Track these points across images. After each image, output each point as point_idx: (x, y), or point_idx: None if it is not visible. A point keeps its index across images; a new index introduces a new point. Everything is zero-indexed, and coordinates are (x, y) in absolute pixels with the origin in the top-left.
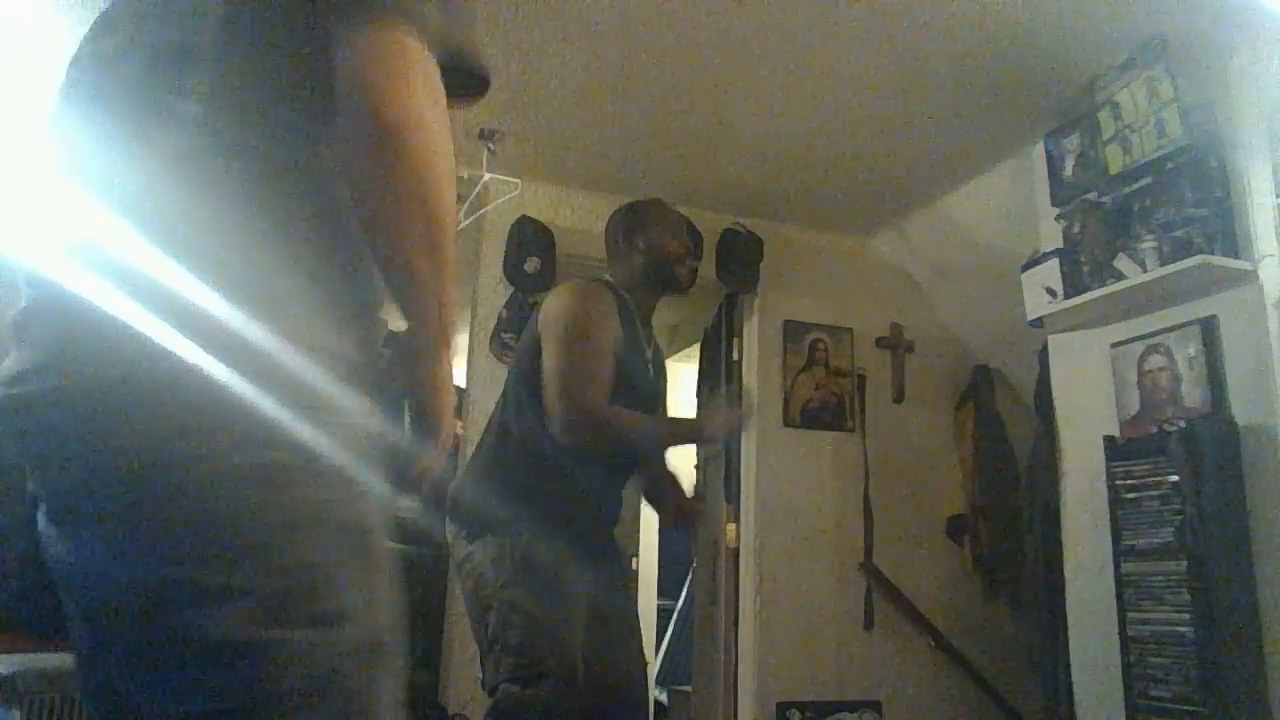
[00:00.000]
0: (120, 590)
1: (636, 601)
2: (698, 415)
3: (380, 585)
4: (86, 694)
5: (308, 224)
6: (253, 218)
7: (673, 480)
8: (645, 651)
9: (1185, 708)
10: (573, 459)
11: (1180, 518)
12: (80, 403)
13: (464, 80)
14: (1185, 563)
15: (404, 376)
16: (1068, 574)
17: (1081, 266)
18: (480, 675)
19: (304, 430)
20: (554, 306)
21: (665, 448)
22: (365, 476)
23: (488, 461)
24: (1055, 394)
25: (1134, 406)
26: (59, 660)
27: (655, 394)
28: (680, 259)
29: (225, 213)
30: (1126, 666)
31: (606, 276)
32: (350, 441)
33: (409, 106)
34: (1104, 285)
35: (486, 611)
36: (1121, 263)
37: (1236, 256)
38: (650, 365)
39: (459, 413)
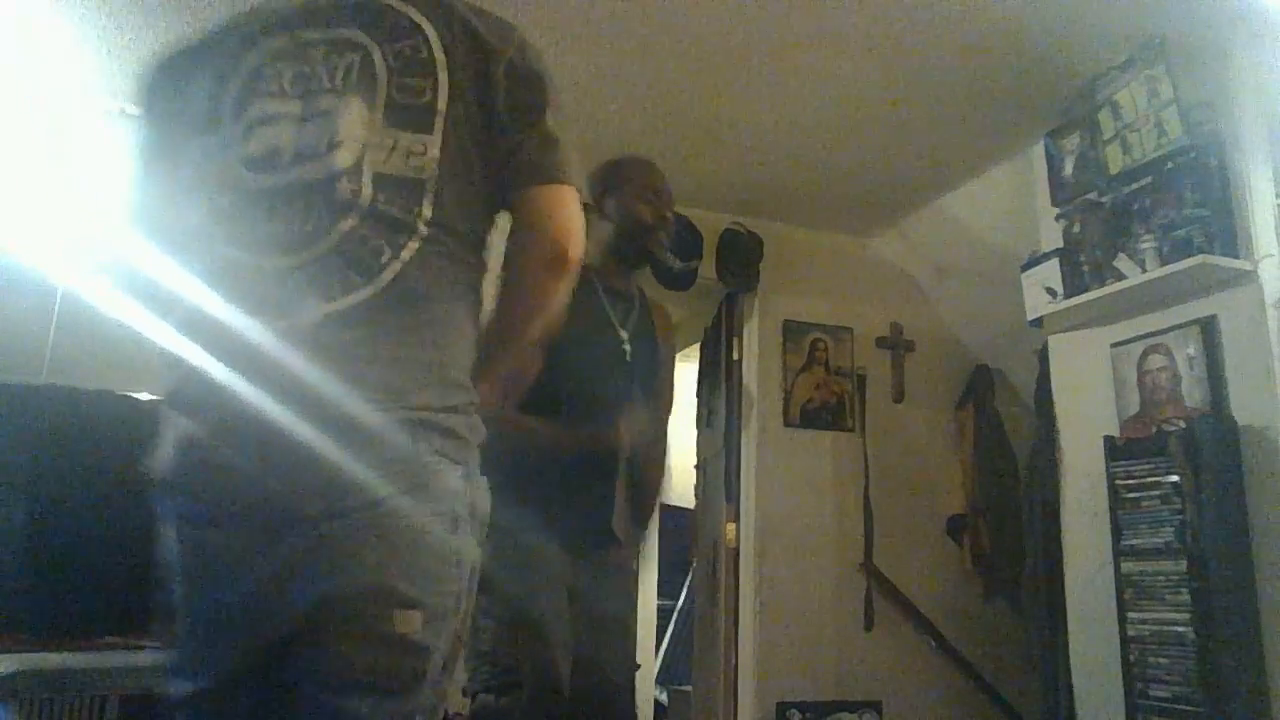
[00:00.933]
0: (331, 588)
1: (631, 599)
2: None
3: (470, 609)
4: (224, 672)
5: (472, 309)
6: (454, 303)
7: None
8: (635, 652)
9: (1185, 708)
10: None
11: (1180, 518)
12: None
13: None
14: (1185, 563)
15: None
16: (1068, 574)
17: (1081, 266)
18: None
19: (459, 486)
20: None
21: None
22: (483, 520)
23: None
24: (1055, 394)
25: (1134, 406)
26: (59, 660)
27: (629, 374)
28: (652, 229)
29: (442, 300)
30: (1126, 666)
31: None
32: (481, 490)
33: (575, 245)
34: (1104, 285)
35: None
36: (1121, 263)
37: (1236, 256)
38: (627, 345)
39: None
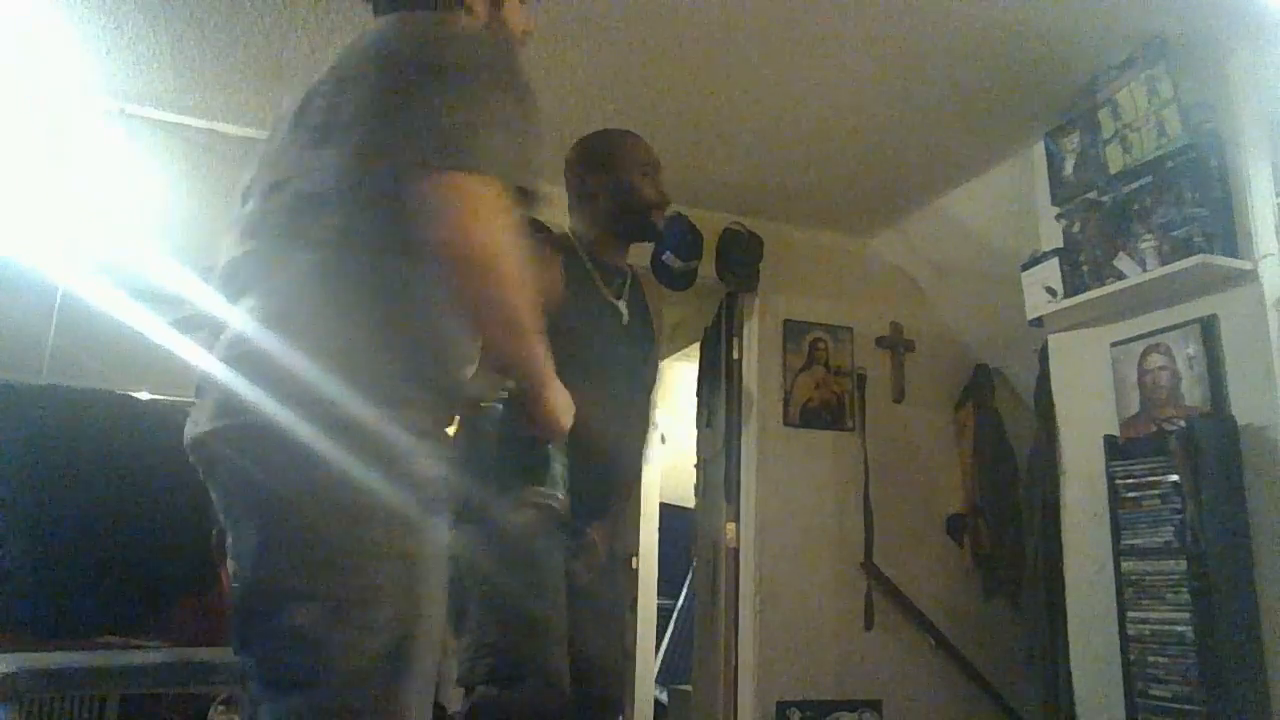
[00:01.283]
0: (248, 582)
1: (620, 585)
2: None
3: (415, 604)
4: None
5: (400, 316)
6: (361, 313)
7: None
8: (626, 641)
9: (1185, 707)
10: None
11: (1180, 517)
12: (232, 447)
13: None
14: (1185, 562)
15: (521, 412)
16: (1068, 574)
17: (1081, 266)
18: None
19: (376, 480)
20: None
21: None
22: (423, 513)
23: (462, 446)
24: (1055, 394)
25: (1134, 406)
26: (59, 660)
27: (629, 353)
28: (656, 204)
29: (343, 310)
30: (1126, 666)
31: (567, 228)
32: (417, 484)
33: (464, 239)
34: (1104, 285)
35: (465, 603)
36: (1121, 262)
37: (1236, 256)
38: (624, 313)
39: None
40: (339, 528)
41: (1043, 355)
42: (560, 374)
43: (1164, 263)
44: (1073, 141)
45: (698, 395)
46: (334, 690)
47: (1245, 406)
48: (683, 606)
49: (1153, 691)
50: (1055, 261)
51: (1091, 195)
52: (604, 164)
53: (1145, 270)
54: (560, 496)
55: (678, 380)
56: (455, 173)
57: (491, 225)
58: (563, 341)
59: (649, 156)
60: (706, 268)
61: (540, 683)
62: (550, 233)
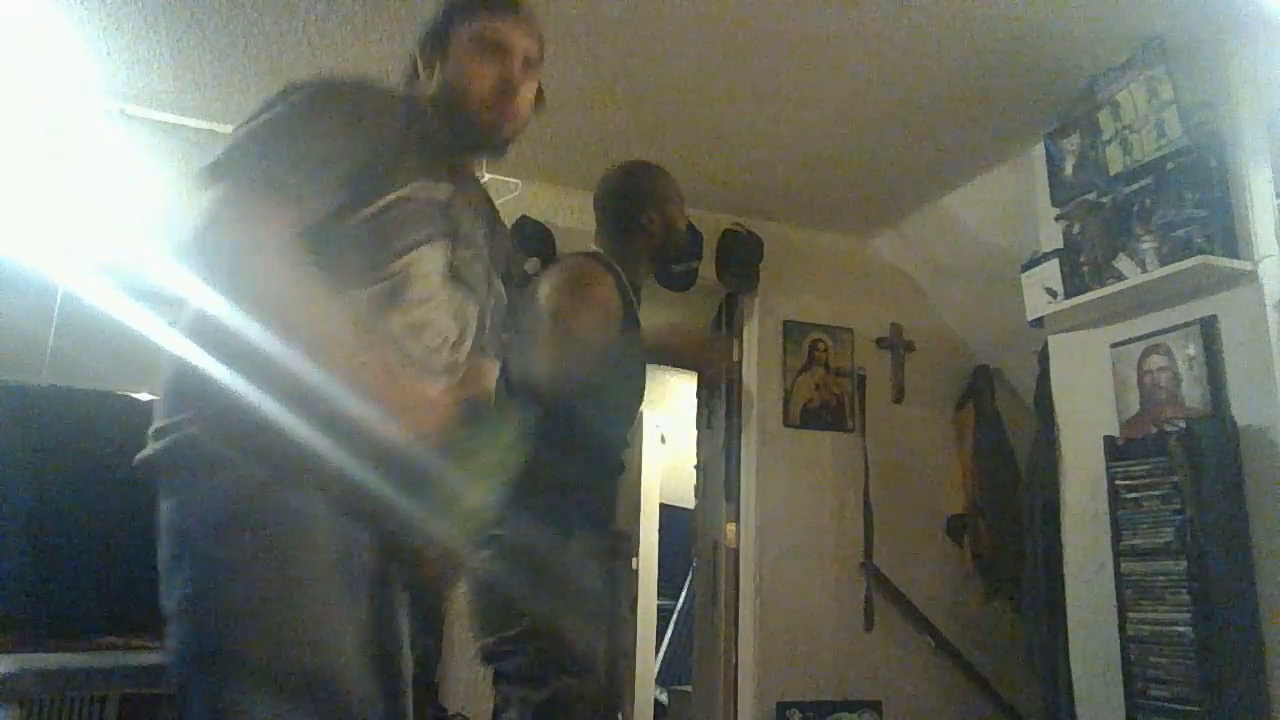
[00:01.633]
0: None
1: (622, 588)
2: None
3: (227, 610)
4: None
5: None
6: None
7: None
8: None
9: (1185, 708)
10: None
11: (1180, 518)
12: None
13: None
14: (1185, 563)
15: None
16: (1068, 574)
17: (1081, 266)
18: (491, 664)
19: (174, 498)
20: (555, 287)
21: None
22: (231, 521)
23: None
24: (1055, 394)
25: (1134, 407)
26: (59, 660)
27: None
28: (685, 235)
29: None
30: (1126, 666)
31: (595, 247)
32: (230, 494)
33: (201, 242)
34: (1104, 285)
35: (514, 603)
36: (1121, 263)
37: (1236, 256)
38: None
39: None
40: (167, 542)
41: (1043, 356)
42: (614, 393)
43: (1164, 264)
44: (1073, 142)
45: (697, 396)
46: (179, 692)
47: (1245, 407)
48: (683, 607)
49: (1153, 692)
50: (1055, 262)
51: (1091, 196)
52: (660, 201)
53: (1145, 271)
54: (454, 531)
55: (678, 381)
56: (215, 185)
57: (229, 228)
58: (620, 361)
59: (680, 192)
60: (706, 268)
61: (598, 672)
62: (599, 256)
